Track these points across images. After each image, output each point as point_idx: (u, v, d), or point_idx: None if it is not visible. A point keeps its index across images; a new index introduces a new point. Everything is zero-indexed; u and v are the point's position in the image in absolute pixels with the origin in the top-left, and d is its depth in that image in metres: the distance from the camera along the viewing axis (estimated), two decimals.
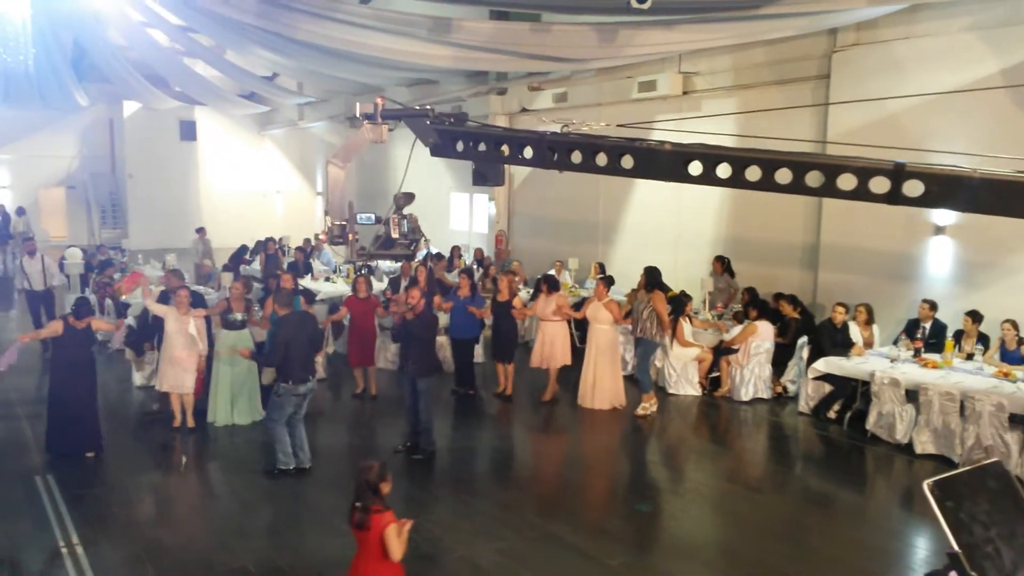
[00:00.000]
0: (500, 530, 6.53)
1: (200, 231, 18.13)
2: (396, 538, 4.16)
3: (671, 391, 10.40)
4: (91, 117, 25.48)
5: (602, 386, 9.81)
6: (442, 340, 10.80)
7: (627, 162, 5.50)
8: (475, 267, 15.63)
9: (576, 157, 5.74)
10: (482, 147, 6.36)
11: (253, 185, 27.07)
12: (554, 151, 5.88)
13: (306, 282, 14.55)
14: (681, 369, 10.35)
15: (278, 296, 7.89)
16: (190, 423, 8.76)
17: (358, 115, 7.02)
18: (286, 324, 7.42)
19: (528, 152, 6.08)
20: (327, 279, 14.77)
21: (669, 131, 6.72)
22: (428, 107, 6.90)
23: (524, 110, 16.82)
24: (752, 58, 12.32)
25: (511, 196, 17.59)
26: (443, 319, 10.35)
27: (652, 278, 9.65)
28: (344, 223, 8.07)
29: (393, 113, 7.04)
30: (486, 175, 7.07)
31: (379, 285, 13.30)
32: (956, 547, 2.96)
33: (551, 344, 10.05)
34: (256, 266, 16.19)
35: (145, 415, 9.35)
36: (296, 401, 7.47)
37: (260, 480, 7.51)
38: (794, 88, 11.79)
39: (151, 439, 8.66)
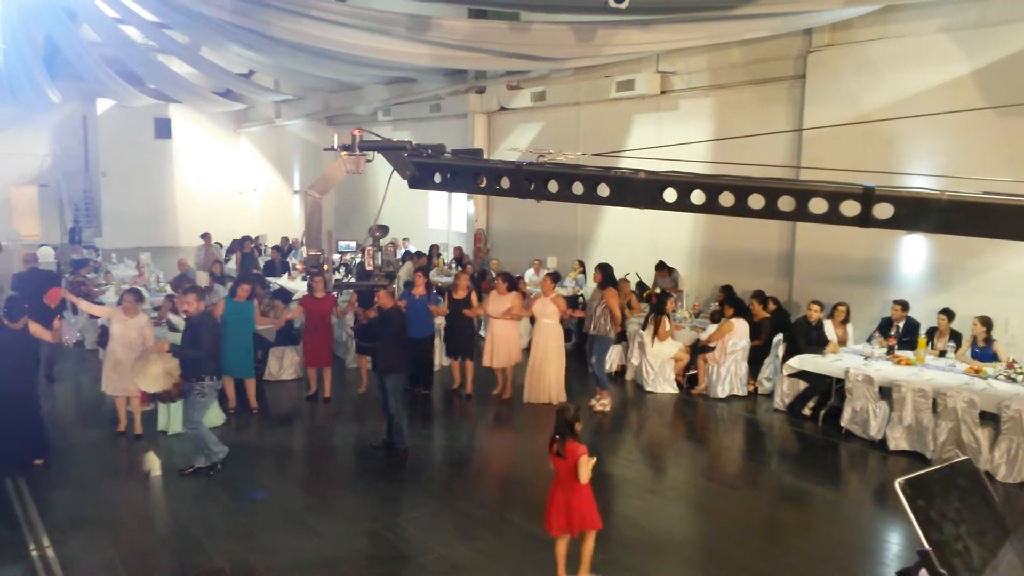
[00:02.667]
0: (477, 529, 6.52)
1: (206, 236, 17.09)
2: (587, 465, 5.19)
3: (649, 389, 10.44)
4: (64, 114, 25.11)
5: (546, 380, 9.86)
6: None
7: (603, 190, 5.57)
8: (454, 265, 15.63)
9: (553, 186, 5.83)
10: (461, 179, 6.39)
11: (229, 183, 26.84)
12: (531, 181, 5.94)
13: (283, 281, 14.45)
14: (659, 367, 10.40)
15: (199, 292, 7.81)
16: (137, 429, 8.48)
17: (335, 147, 7.03)
18: (207, 320, 7.46)
19: (505, 182, 6.14)
20: (303, 278, 14.66)
21: (644, 154, 6.70)
22: (406, 140, 6.90)
23: (503, 108, 16.82)
24: (728, 58, 12.41)
25: (490, 196, 17.57)
26: None
27: (607, 275, 9.69)
28: (319, 253, 8.13)
29: (371, 145, 7.05)
30: (427, 181, 6.95)
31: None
32: (927, 545, 3.00)
33: (497, 343, 10.02)
34: (232, 265, 16.06)
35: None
36: (214, 398, 7.52)
37: (230, 482, 7.43)
38: (770, 88, 11.89)
39: (120, 442, 8.54)
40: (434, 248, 16.63)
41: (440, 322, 10.66)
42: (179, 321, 8.56)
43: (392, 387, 8.09)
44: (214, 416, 8.76)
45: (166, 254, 18.84)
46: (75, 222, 21.74)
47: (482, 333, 11.09)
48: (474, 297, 10.33)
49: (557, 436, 5.29)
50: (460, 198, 18.52)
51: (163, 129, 25.85)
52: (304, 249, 8.10)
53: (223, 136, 26.87)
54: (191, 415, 7.36)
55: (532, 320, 10.42)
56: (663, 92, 13.42)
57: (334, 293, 10.25)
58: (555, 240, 15.55)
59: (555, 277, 10.41)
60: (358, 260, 7.88)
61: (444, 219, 19.53)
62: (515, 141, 16.26)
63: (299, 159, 26.32)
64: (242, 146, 27.52)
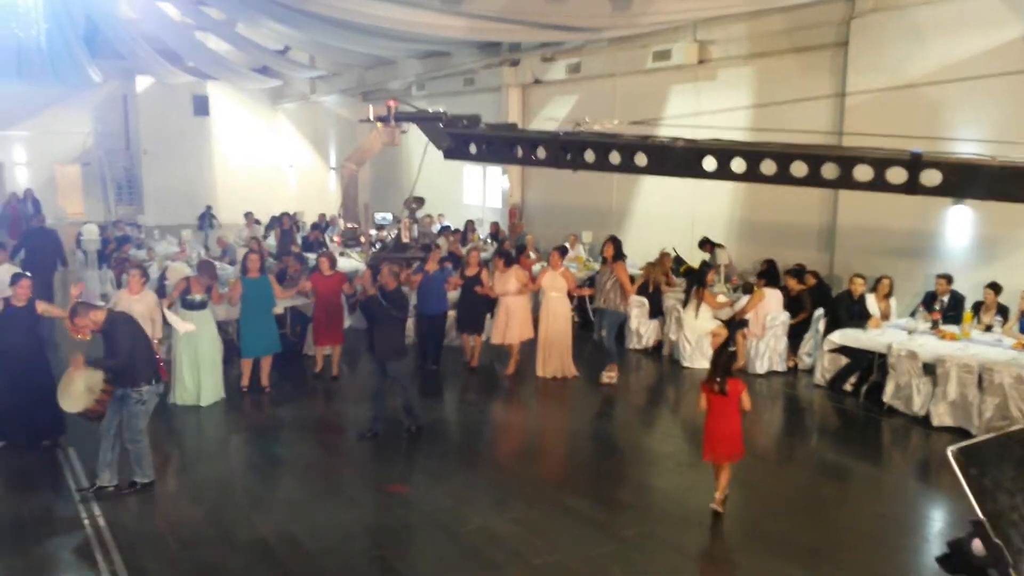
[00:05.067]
0: (513, 501, 6.56)
1: (249, 215, 17.06)
2: (748, 397, 6.07)
3: (686, 364, 10.37)
4: (105, 93, 25.46)
5: (555, 354, 9.86)
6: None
7: (640, 160, 5.48)
8: (489, 241, 15.63)
9: (589, 156, 5.74)
10: (496, 149, 6.34)
11: (267, 160, 27.06)
12: (567, 151, 5.86)
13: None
14: (696, 342, 10.31)
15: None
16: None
17: (371, 118, 7.01)
18: (118, 325, 6.44)
19: (541, 152, 6.08)
20: (341, 254, 14.77)
21: (682, 122, 6.61)
22: (442, 110, 6.84)
23: (537, 81, 16.67)
24: (769, 25, 12.11)
25: (524, 171, 17.49)
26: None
27: (617, 248, 9.65)
28: (356, 226, 8.10)
29: (406, 116, 7.03)
30: (463, 152, 6.87)
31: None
32: (981, 515, 2.92)
33: (510, 318, 10.00)
34: (271, 241, 16.23)
35: None
36: (155, 403, 6.67)
37: (271, 454, 7.58)
38: (811, 56, 11.60)
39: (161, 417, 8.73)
40: (469, 224, 16.63)
41: (453, 297, 10.66)
42: (198, 297, 8.66)
43: (396, 372, 7.81)
44: (219, 391, 8.86)
45: (207, 231, 19.11)
46: (207, 207, 21.22)
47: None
48: (485, 274, 10.33)
49: (718, 377, 5.98)
50: (495, 173, 18.47)
51: (201, 106, 26.09)
52: (342, 222, 8.07)
53: (260, 113, 27.05)
54: (134, 427, 6.42)
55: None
56: (701, 62, 13.16)
57: (340, 271, 10.17)
58: (590, 214, 15.44)
59: (563, 251, 10.35)
60: (394, 234, 7.86)
61: (479, 195, 19.51)
62: (549, 114, 16.13)
63: (335, 135, 26.44)
64: (279, 122, 27.69)
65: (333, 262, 10.01)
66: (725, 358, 6.20)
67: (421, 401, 9.28)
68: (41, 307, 7.52)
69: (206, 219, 18.46)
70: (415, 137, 7.92)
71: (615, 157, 5.54)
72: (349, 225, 7.81)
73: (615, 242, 9.68)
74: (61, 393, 6.54)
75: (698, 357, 10.31)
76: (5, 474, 7.00)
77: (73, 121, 25.58)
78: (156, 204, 24.92)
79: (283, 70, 22.96)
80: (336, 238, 9.63)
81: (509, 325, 10.04)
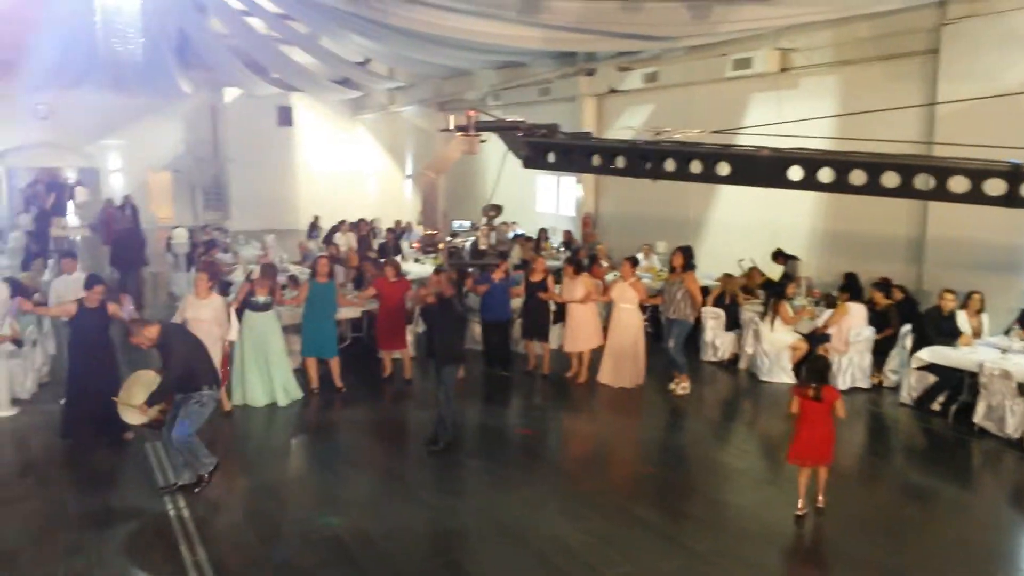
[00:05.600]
0: (584, 511, 6.53)
1: (340, 225, 16.99)
2: (842, 404, 6.21)
3: (763, 378, 10.14)
4: (194, 103, 26.53)
5: (625, 365, 9.78)
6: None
7: (723, 169, 5.40)
8: (562, 249, 15.63)
9: (670, 165, 5.69)
10: (574, 158, 6.33)
11: (346, 168, 27.74)
12: (647, 159, 5.81)
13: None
14: (775, 356, 10.07)
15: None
16: (226, 406, 8.65)
17: (451, 127, 7.11)
18: (168, 340, 6.52)
19: (620, 161, 6.04)
20: (416, 260, 15.01)
21: (762, 131, 6.46)
22: (520, 120, 6.90)
23: (612, 91, 16.60)
24: (855, 32, 11.77)
25: (599, 180, 17.43)
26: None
27: (687, 258, 9.57)
28: (435, 232, 8.21)
29: (486, 126, 7.09)
30: (541, 161, 6.87)
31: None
32: None
33: (576, 326, 10.03)
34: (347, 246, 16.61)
35: None
36: (213, 407, 6.75)
37: (344, 453, 7.73)
38: (900, 64, 11.22)
39: (232, 417, 9.00)
40: (542, 232, 16.66)
41: (517, 304, 10.71)
42: (261, 299, 8.91)
43: (446, 379, 7.74)
44: (292, 391, 9.09)
45: (288, 236, 19.69)
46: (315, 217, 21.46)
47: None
48: (551, 280, 10.35)
49: (813, 383, 6.14)
50: (569, 182, 18.47)
51: (285, 117, 26.93)
52: (421, 228, 8.19)
53: (341, 123, 27.76)
54: (186, 427, 6.51)
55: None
56: (783, 70, 12.88)
57: (405, 277, 10.31)
58: (665, 224, 15.27)
59: (634, 262, 10.28)
60: (469, 241, 7.96)
61: (552, 203, 19.53)
62: (625, 124, 16.03)
63: (411, 144, 26.91)
64: (358, 132, 28.36)
65: (398, 269, 10.20)
66: (822, 364, 6.35)
67: (488, 407, 9.41)
68: (112, 308, 7.85)
69: (314, 228, 18.81)
70: (491, 146, 7.98)
71: (696, 166, 5.47)
72: (428, 231, 7.91)
73: (685, 252, 9.62)
74: (122, 407, 6.57)
75: (776, 371, 10.07)
76: (96, 468, 7.34)
77: (165, 130, 26.74)
78: (241, 210, 25.80)
79: (363, 82, 23.51)
80: (416, 244, 9.80)
81: (576, 333, 10.06)
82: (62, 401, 8.05)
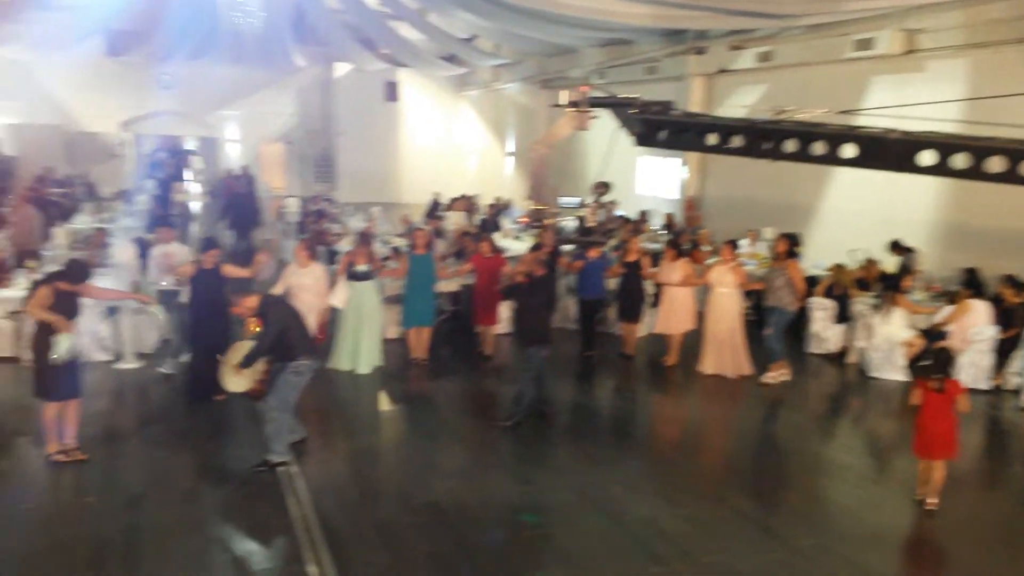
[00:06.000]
0: (680, 496, 6.47)
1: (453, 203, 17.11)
2: (965, 398, 6.14)
3: (873, 374, 9.74)
4: (307, 77, 27.39)
5: (722, 352, 9.58)
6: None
7: (847, 151, 5.16)
8: (663, 232, 15.38)
9: (790, 145, 5.47)
10: (688, 137, 6.18)
11: (448, 144, 28.11)
12: (766, 139, 5.61)
13: (495, 238, 14.96)
14: (887, 351, 9.64)
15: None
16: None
17: (563, 103, 7.08)
18: (269, 309, 6.58)
19: (737, 140, 5.87)
20: (516, 237, 15.09)
21: (886, 114, 6.12)
22: (635, 96, 6.80)
23: (723, 71, 16.13)
24: (988, 13, 11.00)
25: (705, 161, 17.03)
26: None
27: (791, 246, 9.29)
28: (544, 207, 8.20)
29: (598, 101, 7.02)
30: (653, 138, 6.75)
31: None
32: None
33: (671, 309, 9.91)
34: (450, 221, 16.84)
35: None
36: (309, 377, 6.74)
37: (439, 423, 7.88)
38: None
39: (342, 378, 9.30)
40: (642, 214, 16.42)
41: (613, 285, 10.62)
42: (361, 268, 9.11)
43: (531, 360, 7.73)
44: (375, 359, 9.25)
45: (393, 209, 20.12)
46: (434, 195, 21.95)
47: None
48: (645, 261, 10.23)
49: (936, 375, 6.07)
50: (673, 163, 18.11)
51: (392, 92, 27.43)
52: (528, 203, 8.20)
53: (445, 99, 28.10)
54: (283, 397, 6.55)
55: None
56: (907, 52, 12.20)
57: (500, 254, 10.34)
58: (774, 210, 14.78)
59: (734, 245, 10.02)
60: (573, 220, 7.93)
61: (653, 185, 19.22)
62: (735, 105, 15.57)
63: (513, 122, 26.97)
64: (461, 109, 28.64)
65: (494, 245, 10.26)
66: (946, 356, 6.29)
67: (578, 386, 9.39)
68: (227, 269, 8.20)
69: (436, 207, 19.06)
70: (596, 124, 7.89)
71: (819, 147, 5.25)
72: (536, 206, 7.91)
73: (789, 239, 9.38)
74: (225, 373, 6.64)
75: (888, 367, 9.65)
76: (213, 421, 7.74)
77: (279, 102, 27.71)
78: (349, 182, 26.52)
79: (469, 58, 23.66)
80: (523, 218, 9.85)
81: (670, 315, 9.96)
82: (183, 359, 8.51)
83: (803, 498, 6.69)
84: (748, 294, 10.79)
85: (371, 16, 20.67)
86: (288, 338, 6.47)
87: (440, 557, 5.42)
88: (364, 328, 9.26)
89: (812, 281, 11.37)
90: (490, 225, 16.39)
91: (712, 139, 6.02)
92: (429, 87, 27.55)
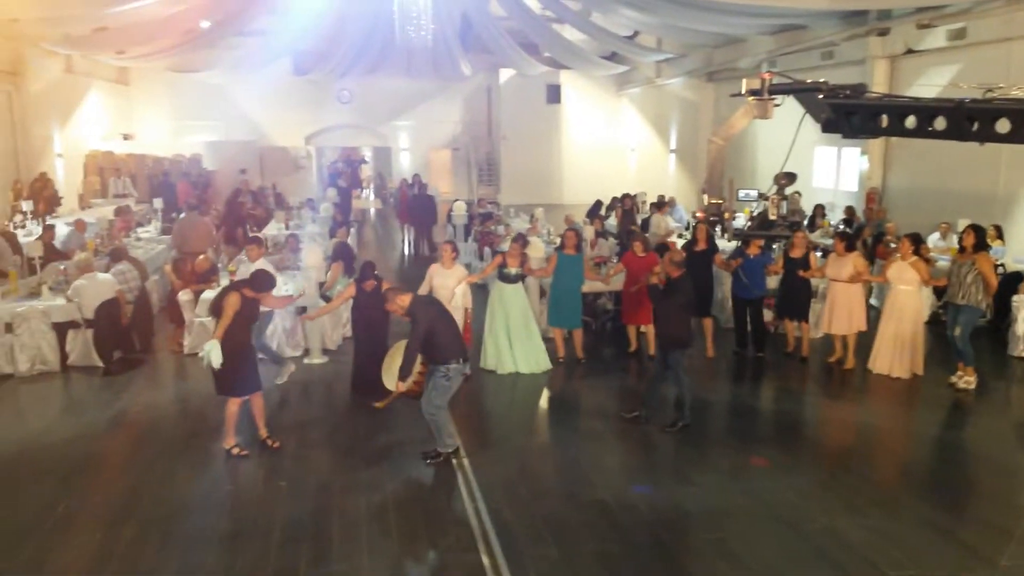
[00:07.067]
0: (864, 505, 6.07)
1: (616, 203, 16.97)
2: None
3: None
4: (473, 85, 28.33)
5: (901, 352, 8.93)
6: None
7: None
8: (840, 227, 14.51)
9: (1003, 126, 4.94)
10: (883, 121, 5.75)
11: (609, 143, 28.02)
12: (974, 120, 5.10)
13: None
14: None
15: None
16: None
17: (743, 92, 6.84)
18: (416, 309, 6.65)
19: (939, 123, 5.37)
20: (679, 236, 14.78)
21: None
22: (822, 80, 6.45)
23: (910, 51, 14.97)
24: None
25: (889, 151, 15.89)
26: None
27: (980, 238, 8.49)
28: (721, 201, 7.96)
29: (782, 88, 6.72)
30: (843, 125, 6.31)
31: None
32: None
33: (837, 307, 9.30)
34: (612, 221, 16.78)
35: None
36: (459, 382, 6.82)
37: (597, 422, 7.84)
38: None
39: (504, 380, 9.46)
40: (818, 208, 15.57)
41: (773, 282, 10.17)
42: (512, 271, 9.19)
43: (674, 362, 7.51)
44: (537, 362, 9.29)
45: (555, 210, 20.35)
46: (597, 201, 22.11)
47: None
48: (813, 257, 9.68)
49: None
50: (852, 153, 17.05)
51: (553, 95, 27.80)
52: (706, 197, 7.98)
53: (605, 99, 28.08)
54: (433, 399, 6.68)
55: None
56: None
57: (654, 252, 10.04)
58: (968, 200, 13.54)
59: (914, 239, 9.22)
60: (757, 211, 7.62)
61: (831, 177, 18.18)
62: (923, 87, 14.40)
63: (676, 118, 26.44)
64: (622, 107, 28.48)
65: (646, 244, 10.05)
66: None
67: (740, 387, 9.07)
68: (386, 286, 8.20)
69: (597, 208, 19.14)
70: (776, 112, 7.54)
71: None
72: (713, 200, 7.71)
73: (977, 230, 8.59)
74: (385, 373, 6.87)
75: None
76: (389, 415, 8.13)
77: (446, 111, 28.87)
78: (511, 185, 27.17)
79: (631, 55, 23.49)
80: (700, 213, 9.63)
81: (836, 314, 9.41)
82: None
83: (1002, 511, 6.08)
84: (938, 292, 9.95)
85: (535, 20, 21.03)
86: (437, 339, 6.54)
87: (608, 556, 5.41)
88: (513, 330, 9.33)
89: (1017, 277, 10.34)
90: (652, 225, 16.17)
91: (911, 122, 5.54)
92: (589, 88, 27.63)
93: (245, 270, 8.47)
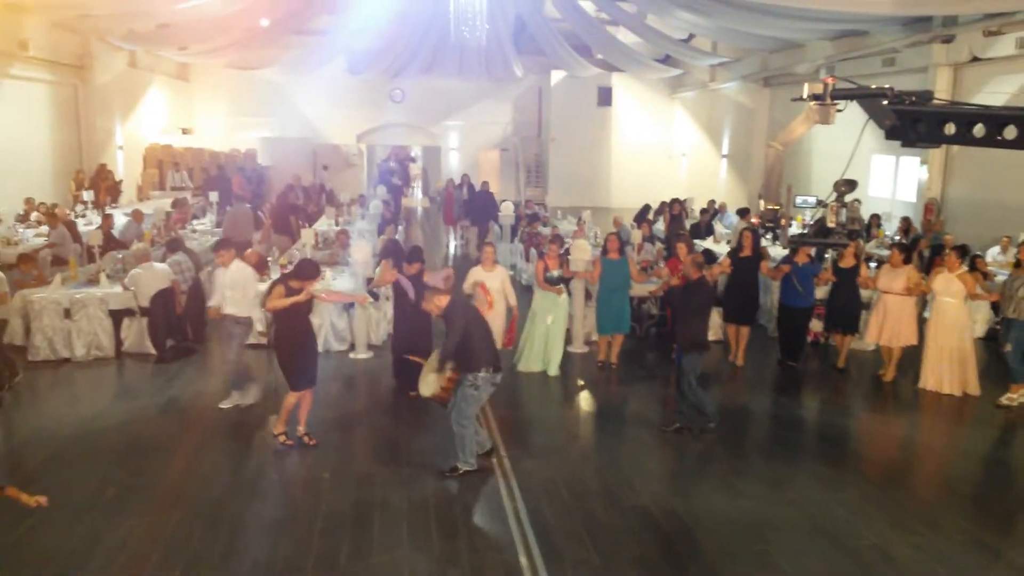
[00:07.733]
0: (914, 524, 5.91)
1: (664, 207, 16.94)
2: None
3: None
4: (524, 86, 28.34)
5: (951, 368, 8.68)
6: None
7: None
8: (896, 238, 14.16)
9: None
10: (949, 128, 5.58)
11: (660, 147, 27.77)
12: None
13: (708, 244, 14.56)
14: None
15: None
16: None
17: (805, 96, 6.73)
18: (452, 311, 6.53)
19: (1011, 132, 5.19)
20: (728, 242, 14.57)
21: None
22: (887, 86, 6.30)
23: (975, 59, 14.54)
24: None
25: (949, 161, 15.46)
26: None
27: None
28: (778, 207, 7.84)
29: (845, 93, 6.58)
30: (908, 132, 6.14)
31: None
32: None
33: (892, 320, 9.04)
34: (660, 226, 16.63)
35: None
36: (488, 392, 6.62)
37: (652, 430, 7.76)
38: None
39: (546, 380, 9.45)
40: (874, 218, 15.23)
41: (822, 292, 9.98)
42: (555, 274, 9.17)
43: (688, 366, 7.44)
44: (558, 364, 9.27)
45: (602, 214, 20.25)
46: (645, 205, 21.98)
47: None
48: (864, 268, 9.48)
49: None
50: (910, 163, 16.63)
51: (605, 97, 27.64)
52: (763, 203, 7.84)
53: (657, 102, 27.81)
54: (462, 410, 6.50)
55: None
56: None
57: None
58: None
59: (961, 251, 9.01)
60: (814, 218, 7.51)
61: (888, 186, 17.76)
62: (989, 95, 13.98)
63: (729, 123, 26.12)
64: (674, 112, 28.19)
65: (691, 247, 9.91)
66: None
67: (786, 399, 8.91)
68: (426, 276, 8.42)
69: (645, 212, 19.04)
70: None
71: None
72: (770, 206, 7.58)
73: None
74: (421, 378, 6.72)
75: None
76: (431, 412, 8.17)
77: (496, 112, 28.93)
78: (559, 187, 27.09)
79: (685, 59, 23.26)
80: (755, 218, 9.52)
81: (885, 326, 9.17)
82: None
83: None
84: (995, 307, 9.63)
85: (589, 23, 20.97)
86: (470, 345, 6.39)
87: (648, 562, 5.35)
88: (552, 331, 9.36)
89: None
90: (702, 230, 16.01)
91: (980, 130, 5.37)
92: (641, 90, 27.41)
93: (226, 277, 7.91)
